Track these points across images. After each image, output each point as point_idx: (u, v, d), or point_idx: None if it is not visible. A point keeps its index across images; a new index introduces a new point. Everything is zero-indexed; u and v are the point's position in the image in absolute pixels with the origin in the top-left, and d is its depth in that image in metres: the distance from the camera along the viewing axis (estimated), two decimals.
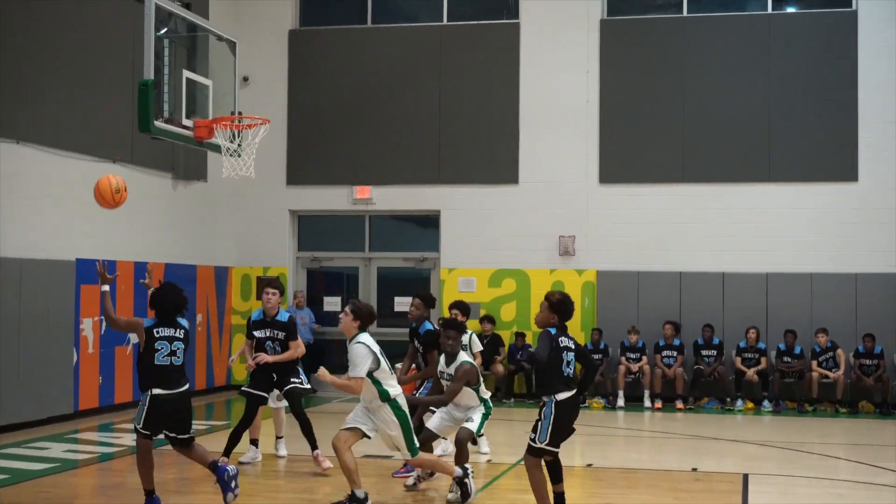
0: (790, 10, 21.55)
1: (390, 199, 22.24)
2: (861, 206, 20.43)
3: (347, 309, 10.44)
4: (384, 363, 10.42)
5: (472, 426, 11.48)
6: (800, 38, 20.98)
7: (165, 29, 13.81)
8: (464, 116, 21.93)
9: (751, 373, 19.81)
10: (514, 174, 21.67)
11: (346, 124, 22.40)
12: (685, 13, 21.54)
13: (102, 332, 17.79)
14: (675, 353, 20.23)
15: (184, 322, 10.52)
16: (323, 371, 10.17)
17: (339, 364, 22.64)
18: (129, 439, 15.14)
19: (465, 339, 13.64)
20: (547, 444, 9.56)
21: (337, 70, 22.52)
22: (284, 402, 13.44)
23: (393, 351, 21.80)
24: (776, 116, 20.81)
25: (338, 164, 22.43)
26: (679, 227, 21.02)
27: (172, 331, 10.34)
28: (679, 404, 19.82)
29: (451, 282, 21.68)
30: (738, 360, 20.06)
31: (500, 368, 20.57)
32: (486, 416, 11.68)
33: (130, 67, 17.38)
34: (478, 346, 14.05)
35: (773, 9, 21.23)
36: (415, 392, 13.20)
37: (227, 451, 12.58)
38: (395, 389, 10.45)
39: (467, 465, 10.95)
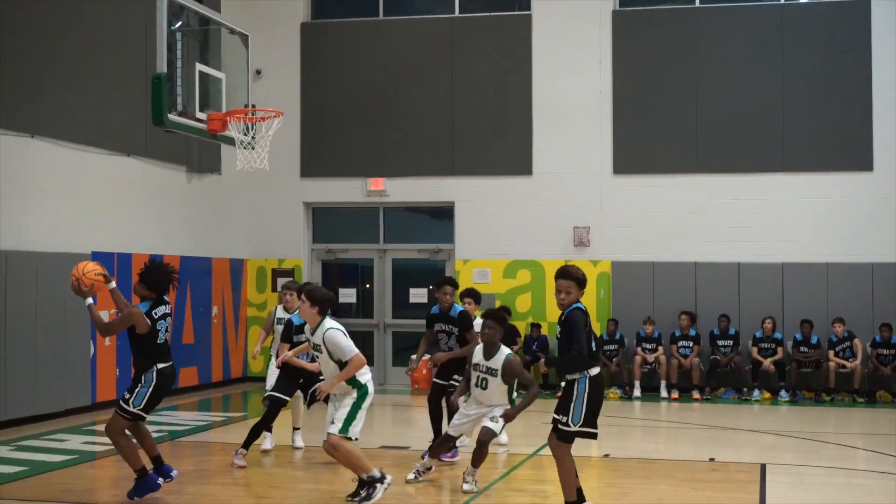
0: None
1: (404, 190, 22.23)
2: (876, 195, 20.35)
3: (303, 296, 10.13)
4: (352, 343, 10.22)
5: (497, 427, 11.24)
6: (813, 27, 20.90)
7: (178, 22, 13.80)
8: (477, 108, 21.90)
9: (767, 363, 19.76)
10: (527, 165, 21.64)
11: (359, 116, 22.40)
12: (698, 3, 21.46)
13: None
14: (691, 344, 20.19)
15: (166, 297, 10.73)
16: (322, 390, 10.03)
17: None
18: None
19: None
20: (583, 426, 9.01)
21: (350, 62, 22.51)
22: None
23: (409, 342, 22.02)
24: (790, 106, 20.73)
25: (351, 157, 22.43)
26: (694, 217, 20.97)
27: (165, 308, 10.64)
28: (695, 394, 19.79)
29: (465, 273, 21.67)
30: (755, 350, 20.01)
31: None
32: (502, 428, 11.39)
33: (143, 61, 17.37)
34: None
35: None
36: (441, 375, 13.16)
37: (247, 444, 12.60)
38: (365, 376, 10.21)
39: (387, 476, 10.28)
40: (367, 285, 22.81)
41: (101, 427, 15.19)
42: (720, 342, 20.17)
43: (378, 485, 10.02)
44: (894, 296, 20.00)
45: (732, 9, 21.32)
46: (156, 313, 10.52)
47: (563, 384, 9.20)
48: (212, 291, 21.02)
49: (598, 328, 20.40)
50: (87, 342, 17.00)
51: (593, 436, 9.12)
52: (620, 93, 21.37)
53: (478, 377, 11.24)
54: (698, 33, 21.22)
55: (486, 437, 11.20)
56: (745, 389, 19.98)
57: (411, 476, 11.55)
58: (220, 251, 21.46)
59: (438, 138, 22.05)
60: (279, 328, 13.60)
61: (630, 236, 21.10)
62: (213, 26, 14.90)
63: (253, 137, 14.57)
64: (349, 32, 22.67)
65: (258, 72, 21.13)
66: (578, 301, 9.09)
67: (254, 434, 12.72)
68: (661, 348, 20.26)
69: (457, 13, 22.30)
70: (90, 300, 10.40)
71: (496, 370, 11.12)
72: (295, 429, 14.00)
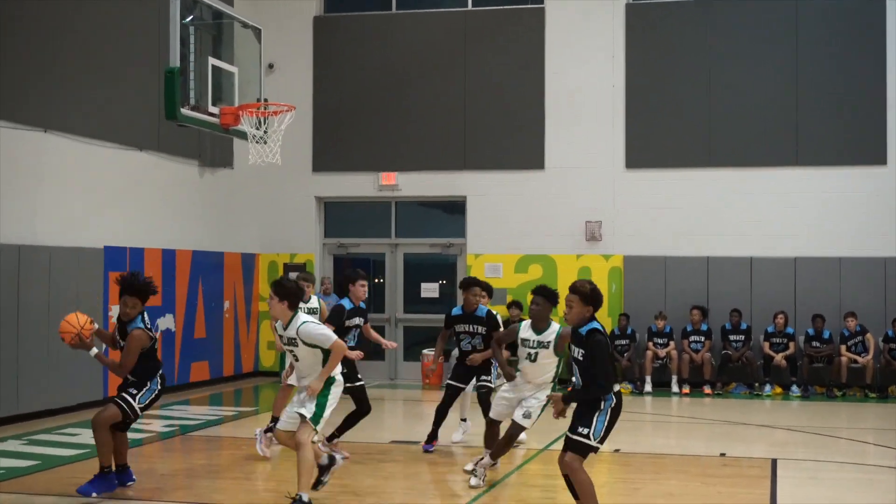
0: None
1: (416, 185, 22.23)
2: (890, 189, 20.27)
3: (271, 292, 9.96)
4: None
5: (527, 423, 11.21)
6: (827, 20, 20.83)
7: (191, 16, 13.82)
8: (489, 102, 21.89)
9: (779, 358, 19.73)
10: (539, 160, 21.63)
11: (371, 110, 22.40)
12: None
13: None
14: (702, 339, 20.17)
15: None
16: (312, 389, 9.79)
17: (367, 350, 22.72)
18: (159, 425, 15.23)
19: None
20: (600, 441, 8.67)
21: (362, 56, 22.51)
22: None
23: (419, 337, 22.06)
24: (804, 100, 20.68)
25: (364, 151, 22.43)
26: (706, 211, 20.94)
27: (146, 313, 10.69)
28: (707, 389, 19.77)
29: (477, 267, 21.66)
30: (767, 345, 19.99)
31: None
32: (544, 407, 11.32)
33: (156, 55, 17.40)
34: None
35: None
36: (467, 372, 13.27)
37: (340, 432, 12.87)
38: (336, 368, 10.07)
39: (336, 456, 10.30)
40: (379, 279, 22.83)
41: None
42: (732, 337, 20.14)
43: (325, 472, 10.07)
44: None
45: (746, 2, 21.25)
46: (151, 330, 10.66)
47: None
48: (224, 286, 21.05)
49: (609, 323, 20.37)
50: None
51: (595, 450, 8.77)
52: (633, 87, 21.34)
53: (527, 352, 11.23)
54: (711, 27, 21.17)
55: (516, 431, 11.23)
56: (757, 384, 19.96)
57: (474, 482, 11.18)
58: (232, 245, 21.49)
59: (450, 132, 22.04)
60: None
61: (642, 231, 21.08)
62: (225, 20, 14.92)
63: (265, 132, 14.60)
64: (362, 26, 22.67)
65: (271, 66, 21.14)
66: (594, 319, 8.76)
67: (349, 423, 12.92)
68: (672, 343, 20.24)
69: (469, 7, 22.28)
70: (94, 349, 10.40)
71: (548, 342, 11.16)
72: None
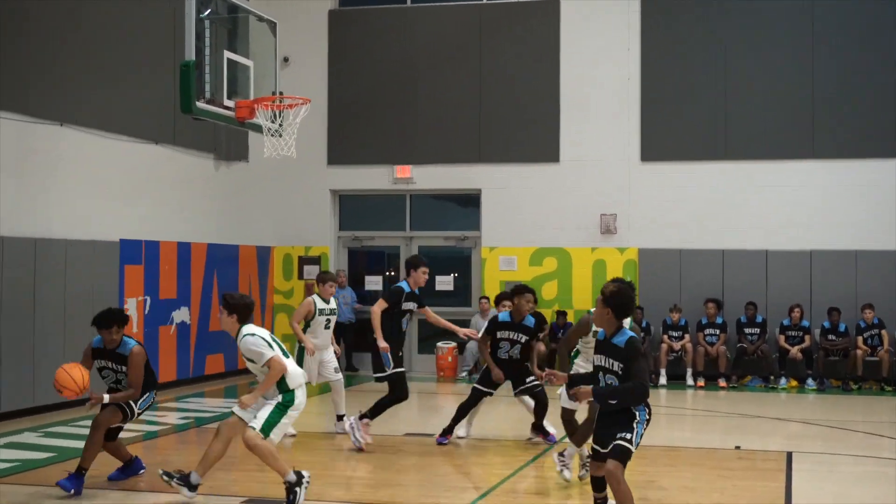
0: None
1: (431, 178, 22.24)
2: None
3: (221, 307, 9.86)
4: (277, 348, 9.82)
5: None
6: (843, 12, 20.73)
7: (207, 10, 13.83)
8: (504, 95, 21.87)
9: (794, 350, 19.69)
10: (554, 152, 21.61)
11: (386, 104, 22.40)
12: None
13: (146, 311, 17.93)
14: (717, 332, 20.14)
15: None
16: (243, 402, 9.65)
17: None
18: (174, 417, 15.28)
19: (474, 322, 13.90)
20: (636, 447, 8.19)
21: (377, 49, 22.52)
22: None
23: (434, 330, 22.06)
24: (819, 92, 20.60)
25: (378, 144, 22.44)
26: (721, 204, 20.90)
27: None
28: (722, 382, 19.74)
29: (492, 260, 21.67)
30: (782, 338, 19.95)
31: (541, 347, 20.55)
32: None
33: (172, 49, 17.45)
34: None
35: None
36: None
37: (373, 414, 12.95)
38: (294, 381, 9.81)
39: (304, 474, 9.80)
40: (391, 272, 22.84)
41: None
42: (747, 330, 20.10)
43: (297, 489, 9.61)
44: None
45: None
46: (133, 338, 11.02)
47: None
48: (239, 279, 21.09)
49: None
50: None
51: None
52: (648, 79, 21.30)
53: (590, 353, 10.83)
54: (727, 19, 21.09)
55: (568, 415, 11.20)
56: (772, 377, 19.93)
57: (567, 475, 10.95)
58: (247, 239, 21.53)
59: (465, 125, 22.03)
60: (321, 319, 13.95)
61: (657, 223, 21.05)
62: (241, 14, 14.92)
63: (280, 125, 14.60)
64: (377, 20, 22.68)
65: (286, 59, 21.16)
66: (623, 327, 8.19)
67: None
68: (687, 336, 20.22)
69: (484, 0, 22.25)
70: (106, 396, 10.62)
71: None
72: (339, 416, 14.10)
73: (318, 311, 13.96)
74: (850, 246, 20.22)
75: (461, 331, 13.82)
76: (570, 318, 20.67)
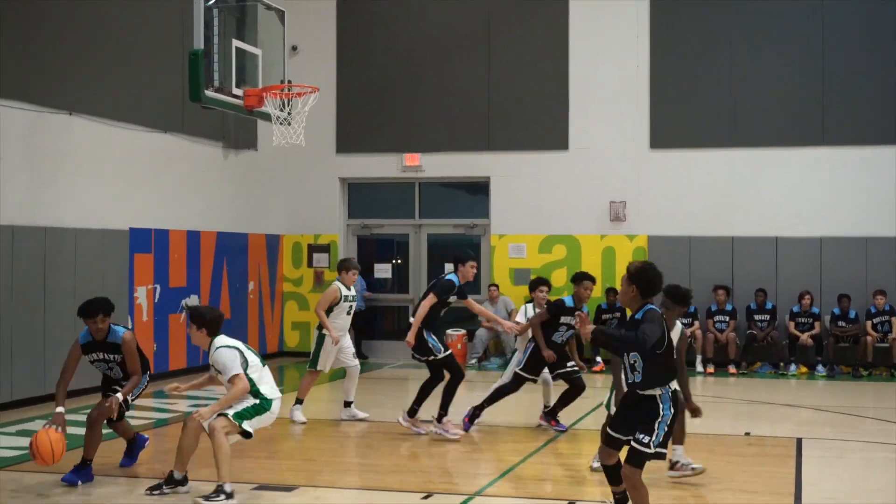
0: None
1: (440, 166, 22.23)
2: None
3: (189, 321, 9.82)
4: (253, 358, 9.84)
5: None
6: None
7: None
8: (513, 83, 21.83)
9: (805, 337, 19.68)
10: (563, 140, 21.58)
11: (395, 92, 22.39)
12: None
13: (156, 300, 17.98)
14: (727, 318, 20.13)
15: None
16: (202, 414, 9.47)
17: (389, 330, 22.87)
18: (184, 405, 15.31)
19: (522, 311, 13.90)
20: (659, 447, 7.84)
21: (385, 37, 22.50)
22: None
23: (445, 317, 21.94)
24: (830, 78, 20.53)
25: (387, 132, 22.43)
26: (731, 191, 20.86)
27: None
28: (732, 369, 19.73)
29: (501, 248, 21.67)
30: (792, 324, 19.93)
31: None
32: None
33: (180, 37, 17.47)
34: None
35: None
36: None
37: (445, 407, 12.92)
38: (268, 390, 9.77)
39: (234, 497, 9.39)
40: (397, 260, 22.84)
41: (138, 401, 15.39)
42: (757, 317, 20.08)
43: (222, 496, 9.29)
44: None
45: None
46: (120, 324, 10.94)
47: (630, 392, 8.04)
48: (248, 267, 21.12)
49: None
50: (125, 318, 17.12)
51: (662, 456, 7.94)
52: (658, 66, 21.24)
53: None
54: (737, 6, 21.01)
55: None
56: (782, 364, 19.91)
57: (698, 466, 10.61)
58: (257, 227, 21.56)
59: (474, 113, 22.01)
60: (345, 305, 13.97)
61: (666, 211, 21.02)
62: (249, 2, 14.96)
63: (289, 113, 14.64)
64: (385, 8, 22.65)
65: (294, 48, 21.13)
66: (650, 303, 7.92)
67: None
68: (697, 323, 20.21)
69: None
70: (119, 396, 10.42)
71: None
72: (347, 403, 14.13)
73: (342, 298, 13.98)
74: (861, 233, 20.17)
75: (505, 324, 13.96)
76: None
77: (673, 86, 21.18)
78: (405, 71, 22.33)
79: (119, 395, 10.38)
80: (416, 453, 12.17)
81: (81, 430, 10.71)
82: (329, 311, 13.97)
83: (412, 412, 13.07)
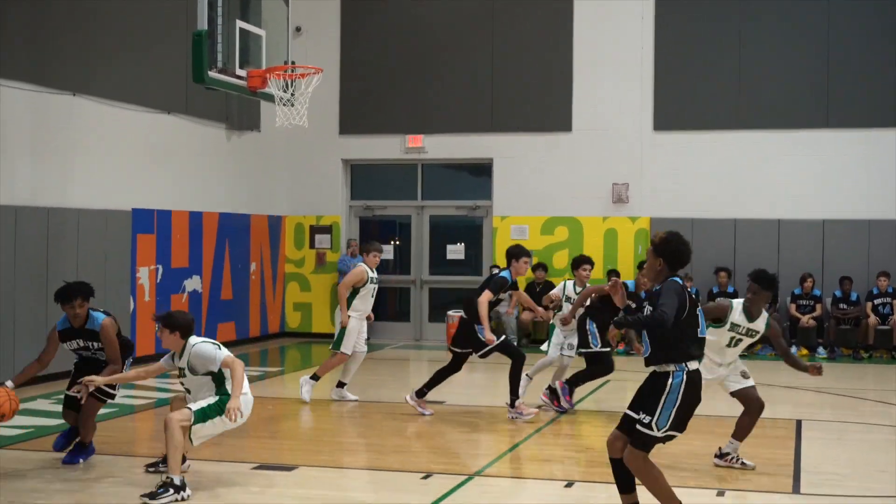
0: None
1: (443, 147, 22.23)
2: None
3: (160, 326, 9.36)
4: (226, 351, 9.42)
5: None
6: None
7: None
8: (517, 64, 21.81)
9: (806, 319, 19.70)
10: (567, 121, 21.57)
11: (398, 73, 22.37)
12: None
13: (158, 280, 18.01)
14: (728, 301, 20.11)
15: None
16: (231, 408, 9.03)
17: (391, 311, 22.91)
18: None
19: (561, 288, 14.05)
20: (668, 430, 7.39)
21: (389, 19, 22.47)
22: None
23: (445, 299, 22.12)
24: (835, 61, 20.50)
25: (390, 113, 22.43)
26: (733, 173, 20.85)
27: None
28: None
29: (503, 230, 21.68)
30: (793, 307, 19.96)
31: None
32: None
33: (184, 18, 17.46)
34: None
35: None
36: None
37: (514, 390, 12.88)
38: (243, 393, 9.25)
39: (187, 488, 8.93)
40: (395, 240, 22.83)
41: (140, 381, 15.44)
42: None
43: (171, 490, 8.78)
44: None
45: None
46: (101, 309, 10.39)
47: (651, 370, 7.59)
48: (250, 248, 21.14)
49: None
50: (128, 298, 17.19)
51: (664, 440, 7.53)
52: (662, 48, 21.21)
53: (732, 337, 10.28)
54: None
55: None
56: None
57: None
58: (259, 208, 21.57)
59: (478, 94, 21.99)
60: (370, 287, 13.90)
61: (669, 193, 21.01)
62: None
63: (292, 94, 14.64)
64: None
65: (298, 29, 21.13)
66: (675, 276, 7.52)
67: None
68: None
69: None
70: (97, 379, 9.73)
71: (756, 332, 10.27)
72: (341, 383, 14.15)
73: (369, 280, 13.92)
74: (863, 215, 20.18)
75: (540, 311, 14.07)
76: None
77: (677, 67, 21.15)
78: (408, 52, 22.31)
79: (98, 379, 9.74)
80: (417, 433, 12.22)
81: (47, 420, 10.52)
82: (357, 291, 13.92)
83: (421, 393, 13.08)
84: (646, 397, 7.45)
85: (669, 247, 7.53)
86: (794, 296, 20.02)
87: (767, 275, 10.20)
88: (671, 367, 7.39)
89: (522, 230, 21.58)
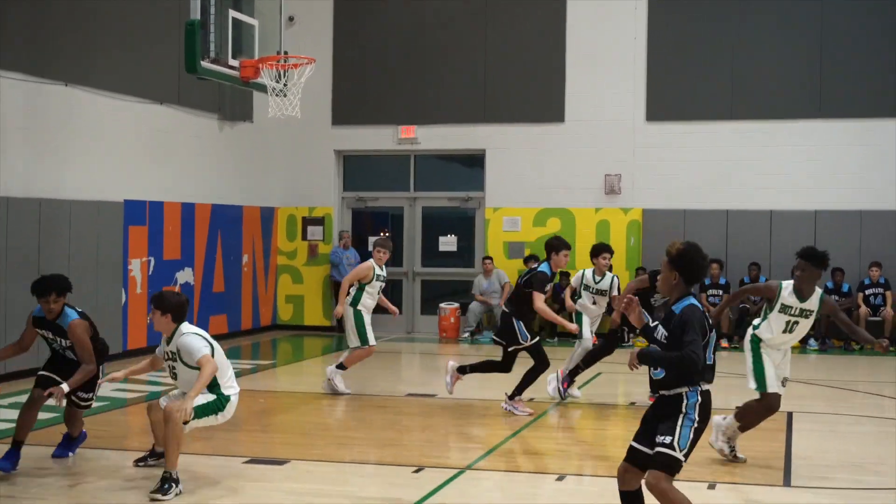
0: None
1: (435, 138, 22.20)
2: None
3: (152, 307, 9.22)
4: (218, 349, 9.29)
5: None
6: None
7: None
8: (510, 54, 21.79)
9: None
10: (559, 112, 21.55)
11: (391, 63, 22.33)
12: None
13: (150, 272, 17.97)
14: (720, 292, 20.16)
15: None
16: (182, 409, 8.85)
17: (382, 304, 22.79)
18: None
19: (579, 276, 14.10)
20: (686, 452, 6.83)
21: (382, 9, 22.42)
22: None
23: (437, 291, 22.10)
24: (827, 51, 20.50)
25: (383, 104, 22.39)
26: (726, 164, 20.85)
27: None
28: (724, 343, 19.77)
29: (495, 221, 21.67)
30: None
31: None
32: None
33: (177, 8, 17.38)
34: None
35: None
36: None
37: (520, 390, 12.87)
38: (231, 390, 9.30)
39: (180, 483, 8.88)
40: (385, 232, 22.80)
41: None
42: (711, 291, 20.17)
43: (172, 485, 8.78)
44: None
45: None
46: (77, 308, 10.06)
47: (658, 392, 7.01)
48: (242, 239, 21.11)
49: (627, 277, 20.34)
50: (119, 290, 17.15)
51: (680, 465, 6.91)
52: (655, 39, 21.19)
53: (787, 322, 10.06)
54: None
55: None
56: None
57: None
58: (252, 199, 21.54)
59: (470, 85, 21.97)
60: (377, 284, 14.00)
61: (662, 184, 21.02)
62: None
63: (285, 85, 14.63)
64: None
65: (291, 19, 21.04)
66: (690, 295, 6.90)
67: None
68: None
69: None
70: (64, 387, 9.41)
71: (811, 311, 10.01)
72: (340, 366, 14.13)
73: (375, 276, 13.99)
74: (855, 206, 20.19)
75: (570, 305, 14.20)
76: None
77: (670, 58, 21.14)
78: (401, 43, 22.28)
79: (64, 387, 9.41)
80: (409, 427, 12.22)
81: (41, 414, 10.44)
82: (364, 287, 13.99)
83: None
84: (659, 422, 6.88)
85: (686, 259, 6.90)
86: None
87: (816, 252, 9.95)
88: (684, 389, 6.84)
89: (515, 222, 21.58)
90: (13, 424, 10.15)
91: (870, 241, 20.08)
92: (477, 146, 22.03)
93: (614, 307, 13.24)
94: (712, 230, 20.62)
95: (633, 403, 13.55)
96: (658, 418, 6.88)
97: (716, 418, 10.19)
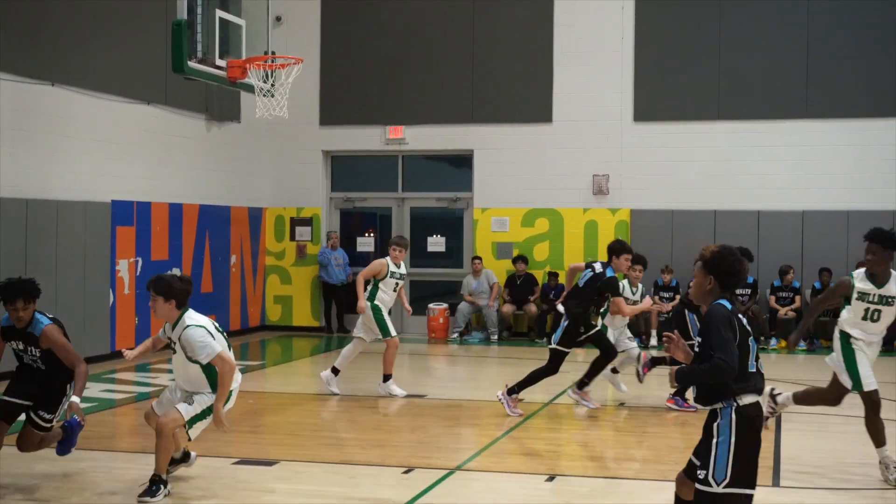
0: None
1: (423, 138, 22.18)
2: None
3: (152, 293, 8.72)
4: (221, 340, 8.90)
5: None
6: None
7: None
8: (497, 54, 21.77)
9: (784, 311, 19.75)
10: (547, 112, 21.55)
11: (379, 63, 22.31)
12: None
13: (138, 273, 17.93)
14: (748, 291, 20.07)
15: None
16: (219, 416, 8.80)
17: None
18: (166, 379, 15.30)
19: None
20: (729, 486, 6.12)
21: (370, 9, 22.40)
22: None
23: (426, 291, 22.08)
24: (815, 51, 20.53)
25: (371, 104, 22.36)
26: (714, 165, 20.87)
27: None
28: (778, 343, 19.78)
29: (484, 221, 21.67)
30: (773, 298, 20.01)
31: (532, 308, 20.64)
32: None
33: (164, 8, 17.35)
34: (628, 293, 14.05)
35: None
36: None
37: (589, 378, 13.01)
38: (233, 384, 8.93)
39: (169, 484, 8.84)
40: (370, 233, 22.76)
41: (120, 375, 15.39)
42: (738, 291, 20.08)
43: (160, 486, 8.64)
44: None
45: None
46: (49, 314, 9.48)
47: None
48: (230, 240, 21.06)
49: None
50: (107, 291, 17.11)
51: (748, 499, 6.23)
52: (643, 38, 21.19)
53: (866, 309, 9.70)
54: None
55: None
56: (763, 338, 19.95)
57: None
58: (239, 199, 21.50)
59: (458, 85, 21.95)
60: (391, 281, 14.08)
61: (650, 184, 21.02)
62: None
63: (272, 85, 14.60)
64: None
65: (278, 18, 20.98)
66: (722, 298, 6.28)
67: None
68: (678, 297, 20.21)
69: None
70: (76, 399, 8.92)
71: (893, 298, 9.60)
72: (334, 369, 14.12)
73: (388, 273, 14.07)
74: (843, 206, 20.22)
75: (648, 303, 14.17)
76: (562, 280, 20.66)
77: (657, 58, 21.15)
78: (389, 43, 22.25)
79: (76, 399, 8.90)
80: (398, 428, 12.21)
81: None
82: (377, 284, 14.09)
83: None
84: (701, 444, 6.36)
85: (723, 263, 6.29)
86: (773, 287, 20.07)
87: (885, 232, 9.51)
88: (718, 405, 6.21)
89: (503, 222, 21.57)
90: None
91: (857, 242, 19.92)
92: (465, 146, 22.02)
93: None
94: (700, 230, 20.60)
95: (622, 404, 13.55)
96: (704, 431, 6.34)
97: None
